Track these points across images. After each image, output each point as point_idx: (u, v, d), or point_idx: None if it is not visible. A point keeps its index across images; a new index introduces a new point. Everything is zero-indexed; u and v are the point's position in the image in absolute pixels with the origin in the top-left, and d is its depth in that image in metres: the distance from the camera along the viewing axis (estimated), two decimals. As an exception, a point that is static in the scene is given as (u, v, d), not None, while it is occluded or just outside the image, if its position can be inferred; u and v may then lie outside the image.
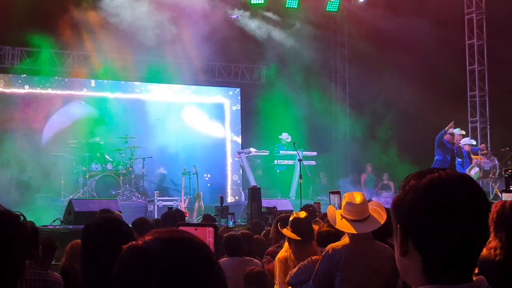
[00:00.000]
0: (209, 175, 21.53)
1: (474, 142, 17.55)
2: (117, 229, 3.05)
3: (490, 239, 4.11)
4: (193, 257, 1.55)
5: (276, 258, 6.34)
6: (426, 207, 1.69)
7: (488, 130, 20.46)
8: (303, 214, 6.38)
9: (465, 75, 20.91)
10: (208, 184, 21.28)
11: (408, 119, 20.28)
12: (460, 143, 16.82)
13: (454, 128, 16.67)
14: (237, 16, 20.40)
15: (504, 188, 7.81)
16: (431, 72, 19.36)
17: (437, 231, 1.68)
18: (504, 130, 18.60)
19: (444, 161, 15.82)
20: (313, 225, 6.46)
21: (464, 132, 17.57)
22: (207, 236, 2.22)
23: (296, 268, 5.72)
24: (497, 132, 19.42)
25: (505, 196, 5.51)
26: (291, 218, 6.28)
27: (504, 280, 3.85)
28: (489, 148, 19.10)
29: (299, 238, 6.07)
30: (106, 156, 18.81)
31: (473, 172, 16.62)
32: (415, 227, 1.71)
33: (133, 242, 1.58)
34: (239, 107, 23.26)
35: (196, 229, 2.21)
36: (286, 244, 6.33)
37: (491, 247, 4.04)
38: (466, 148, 16.80)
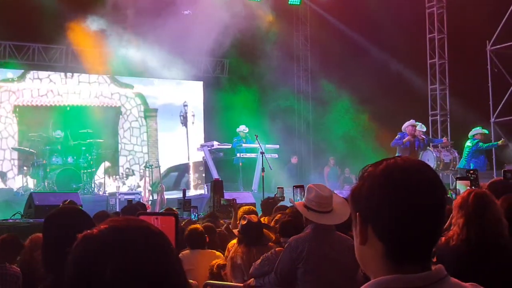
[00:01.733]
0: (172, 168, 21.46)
1: (424, 129, 17.67)
2: (78, 219, 3.02)
3: (449, 226, 4.17)
4: (149, 246, 1.53)
5: (228, 257, 6.35)
6: (384, 192, 1.70)
7: (448, 123, 20.69)
8: (255, 219, 6.39)
9: (426, 69, 21.11)
10: (171, 177, 21.19)
11: (372, 112, 20.42)
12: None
13: (416, 122, 16.87)
14: (189, 12, 20.32)
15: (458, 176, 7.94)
16: (392, 69, 19.50)
17: (395, 216, 1.68)
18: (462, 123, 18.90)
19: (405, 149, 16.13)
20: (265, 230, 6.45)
21: (425, 129, 17.74)
22: (168, 225, 2.20)
23: (259, 260, 5.73)
24: (457, 124, 19.69)
25: (459, 184, 5.58)
26: (243, 222, 6.27)
27: (459, 265, 3.91)
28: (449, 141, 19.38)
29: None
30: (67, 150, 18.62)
31: (432, 165, 16.78)
32: (374, 213, 1.71)
33: (88, 231, 1.55)
34: (202, 100, 23.20)
35: (156, 218, 2.17)
36: (235, 245, 6.34)
37: (449, 235, 4.10)
38: (420, 134, 16.97)
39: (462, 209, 4.11)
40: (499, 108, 18.59)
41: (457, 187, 5.56)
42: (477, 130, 16.42)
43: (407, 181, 1.71)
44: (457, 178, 6.07)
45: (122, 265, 1.46)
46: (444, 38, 20.88)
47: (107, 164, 19.50)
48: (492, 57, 18.75)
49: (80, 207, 10.35)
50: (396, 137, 16.59)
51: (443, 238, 4.10)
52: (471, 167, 15.22)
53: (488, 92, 18.88)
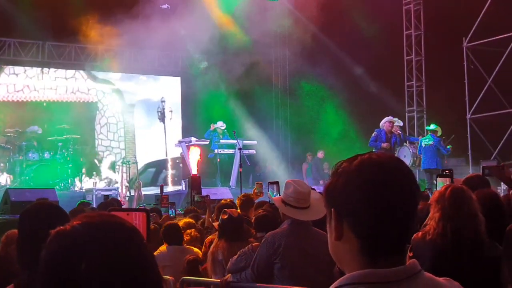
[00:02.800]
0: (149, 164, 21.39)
1: (401, 124, 17.75)
2: (54, 215, 3.00)
3: (426, 222, 4.20)
4: (122, 241, 1.53)
5: (209, 252, 6.34)
6: (359, 186, 1.71)
7: (424, 120, 20.81)
8: (235, 213, 6.39)
9: (403, 66, 21.22)
10: (148, 173, 21.13)
11: (350, 109, 20.49)
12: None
13: (394, 118, 16.96)
14: (167, 6, 20.24)
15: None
16: (372, 61, 19.51)
17: (371, 211, 1.69)
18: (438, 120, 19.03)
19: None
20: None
21: (402, 124, 17.83)
22: (139, 221, 2.20)
23: (236, 255, 5.73)
24: (433, 121, 19.82)
25: (440, 181, 5.62)
26: (223, 217, 6.27)
27: (435, 259, 3.93)
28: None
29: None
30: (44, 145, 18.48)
31: (408, 161, 16.87)
32: (350, 208, 1.72)
33: (61, 227, 1.55)
34: (179, 96, 23.15)
35: (127, 214, 2.18)
36: (216, 240, 6.34)
37: (426, 230, 4.13)
38: (397, 130, 17.02)
39: (438, 203, 4.13)
40: (475, 104, 18.73)
41: (437, 185, 5.59)
42: (435, 127, 16.57)
43: (381, 176, 1.72)
44: (438, 176, 6.10)
45: (96, 260, 1.46)
46: (421, 34, 21.00)
47: (84, 159, 19.35)
48: (468, 53, 18.89)
49: (56, 203, 10.31)
50: (373, 135, 16.62)
51: (419, 233, 4.13)
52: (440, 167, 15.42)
53: (464, 89, 19.02)
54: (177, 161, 20.51)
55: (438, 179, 5.71)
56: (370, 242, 1.71)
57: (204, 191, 13.60)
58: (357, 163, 1.76)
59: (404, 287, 1.67)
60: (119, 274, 1.48)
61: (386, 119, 16.76)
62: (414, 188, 1.77)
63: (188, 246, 7.03)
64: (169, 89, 23.08)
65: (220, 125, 19.30)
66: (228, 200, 9.40)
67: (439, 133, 16.74)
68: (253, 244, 5.69)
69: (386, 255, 1.71)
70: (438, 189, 4.74)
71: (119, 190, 17.99)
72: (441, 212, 4.09)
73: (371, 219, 1.69)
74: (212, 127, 19.37)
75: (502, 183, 11.26)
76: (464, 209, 4.09)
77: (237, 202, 8.44)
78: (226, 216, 6.24)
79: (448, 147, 16.74)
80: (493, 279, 3.91)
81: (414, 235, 4.08)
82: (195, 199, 11.64)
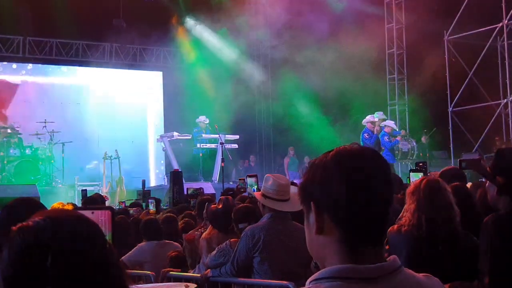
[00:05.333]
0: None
1: (384, 117, 17.80)
2: (34, 210, 2.98)
3: (401, 214, 4.21)
4: (84, 236, 1.54)
5: (201, 238, 6.34)
6: (338, 176, 1.71)
7: (406, 113, 20.88)
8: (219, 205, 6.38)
9: (384, 58, 21.26)
10: (130, 168, 21.06)
11: (331, 103, 20.51)
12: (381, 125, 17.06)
13: (376, 114, 16.99)
14: (122, 24, 20.22)
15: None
16: (351, 57, 19.53)
17: (351, 199, 1.69)
18: (420, 113, 19.12)
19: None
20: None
21: (385, 117, 17.87)
22: (104, 218, 2.18)
23: (215, 251, 5.72)
24: (415, 114, 19.92)
25: (412, 175, 5.65)
26: (219, 206, 6.26)
27: (410, 251, 3.94)
28: (407, 130, 19.61)
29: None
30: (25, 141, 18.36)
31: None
32: (330, 199, 1.71)
33: (23, 223, 1.53)
34: (162, 91, 23.07)
35: (92, 213, 2.17)
36: (210, 228, 6.34)
37: (401, 223, 4.14)
38: (388, 129, 17.05)
39: (414, 195, 4.15)
40: (456, 97, 18.81)
41: (411, 179, 5.62)
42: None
43: (359, 164, 1.73)
44: (411, 170, 6.13)
45: (62, 256, 1.47)
46: (402, 28, 21.04)
47: (66, 155, 19.23)
48: (449, 47, 18.95)
49: (38, 199, 10.27)
50: (365, 136, 16.55)
51: (395, 226, 4.13)
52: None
53: (445, 82, 19.09)
54: (159, 156, 20.45)
55: (412, 173, 5.73)
56: (351, 233, 1.70)
57: (186, 186, 13.58)
58: (334, 154, 1.76)
59: (384, 284, 1.67)
60: (84, 269, 1.49)
61: (367, 119, 16.77)
62: (390, 176, 1.78)
63: (168, 241, 6.99)
64: (151, 83, 22.99)
65: (203, 119, 19.26)
66: (210, 195, 9.39)
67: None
68: (231, 240, 5.68)
69: (367, 246, 1.71)
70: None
71: (101, 186, 17.92)
72: (416, 204, 4.11)
73: (353, 209, 1.69)
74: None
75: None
76: (439, 200, 4.10)
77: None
78: (221, 205, 6.22)
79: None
80: (468, 269, 3.92)
81: (390, 228, 4.08)
82: (188, 192, 11.59)
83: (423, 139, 18.36)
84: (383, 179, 1.74)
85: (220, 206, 6.22)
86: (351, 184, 1.69)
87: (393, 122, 17.98)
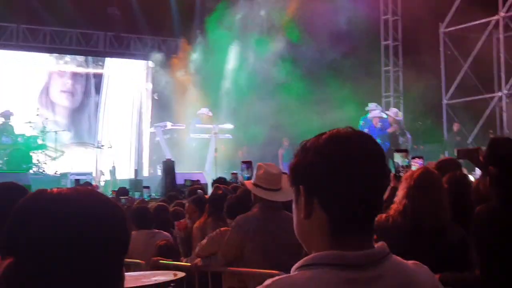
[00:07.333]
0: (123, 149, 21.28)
1: (384, 115, 17.81)
2: (17, 196, 2.93)
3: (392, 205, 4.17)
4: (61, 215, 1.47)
5: (194, 227, 6.31)
6: (330, 160, 1.67)
7: (401, 104, 20.86)
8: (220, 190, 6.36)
9: (379, 50, 21.23)
10: (123, 158, 21.02)
11: (327, 93, 20.39)
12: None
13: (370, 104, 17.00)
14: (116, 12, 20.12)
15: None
16: (344, 46, 19.45)
17: (342, 183, 1.65)
18: (415, 105, 19.11)
19: None
20: None
21: (376, 108, 17.87)
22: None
23: (205, 240, 5.68)
24: (410, 105, 19.91)
25: (396, 155, 5.61)
26: (219, 192, 6.24)
27: (395, 236, 3.90)
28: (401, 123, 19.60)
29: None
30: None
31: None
32: (320, 182, 1.67)
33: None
34: (153, 80, 22.97)
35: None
36: (205, 216, 6.32)
37: (390, 213, 4.10)
38: (376, 121, 17.05)
39: (406, 181, 4.12)
40: (451, 89, 18.80)
41: (394, 159, 5.59)
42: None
43: (352, 149, 1.68)
44: (395, 150, 6.07)
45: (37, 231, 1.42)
46: (398, 20, 20.99)
47: (59, 144, 19.17)
48: (445, 39, 18.92)
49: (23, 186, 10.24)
50: (378, 126, 16.60)
51: (383, 215, 4.09)
52: None
53: (440, 74, 19.08)
54: (152, 145, 20.41)
55: (395, 153, 5.70)
56: (340, 218, 1.66)
57: (178, 176, 13.56)
58: (326, 137, 1.72)
59: (372, 271, 1.63)
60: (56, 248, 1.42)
61: (373, 114, 16.84)
62: (384, 162, 1.74)
63: (157, 230, 6.95)
64: (142, 73, 22.92)
65: (206, 111, 19.20)
66: (201, 185, 9.36)
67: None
68: (221, 228, 5.64)
69: (355, 233, 1.67)
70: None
71: (94, 175, 17.88)
72: (405, 191, 4.08)
73: (343, 193, 1.65)
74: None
75: (476, 169, 11.36)
76: (428, 194, 4.06)
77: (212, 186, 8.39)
78: (221, 192, 6.19)
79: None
80: (455, 261, 3.89)
81: (378, 216, 4.04)
82: (186, 183, 11.57)
83: (455, 127, 18.16)
84: (375, 166, 1.69)
85: (221, 192, 6.20)
86: (342, 169, 1.65)
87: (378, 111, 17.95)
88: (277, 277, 1.66)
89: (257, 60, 20.62)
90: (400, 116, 18.13)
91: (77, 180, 12.50)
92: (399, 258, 1.73)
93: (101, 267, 1.46)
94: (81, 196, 1.50)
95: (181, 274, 5.10)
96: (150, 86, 22.93)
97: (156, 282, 4.60)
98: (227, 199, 6.01)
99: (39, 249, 1.41)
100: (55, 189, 1.51)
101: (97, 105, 21.77)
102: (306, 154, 1.72)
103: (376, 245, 1.69)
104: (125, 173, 18.97)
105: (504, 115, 17.79)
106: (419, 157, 5.83)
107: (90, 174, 17.88)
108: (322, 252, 1.65)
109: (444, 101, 18.89)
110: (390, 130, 17.30)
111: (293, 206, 1.77)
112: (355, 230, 1.67)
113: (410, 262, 1.76)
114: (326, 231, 1.67)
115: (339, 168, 1.65)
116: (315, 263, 1.64)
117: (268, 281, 1.66)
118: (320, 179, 1.67)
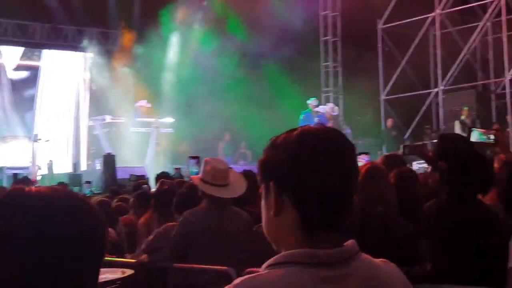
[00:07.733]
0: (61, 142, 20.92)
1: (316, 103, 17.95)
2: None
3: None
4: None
5: (139, 223, 6.25)
6: (302, 156, 1.66)
7: (341, 100, 21.08)
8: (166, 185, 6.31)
9: (319, 46, 21.37)
10: (61, 151, 20.65)
11: (268, 87, 20.42)
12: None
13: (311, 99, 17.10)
14: None
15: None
16: (284, 41, 19.49)
17: (314, 180, 1.64)
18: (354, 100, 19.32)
19: None
20: None
21: (317, 103, 18.00)
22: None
23: (151, 235, 5.64)
24: (349, 101, 20.11)
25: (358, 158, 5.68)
26: (164, 187, 6.19)
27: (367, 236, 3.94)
28: (342, 117, 19.82)
29: None
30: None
31: None
32: (291, 179, 1.67)
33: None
34: (92, 72, 22.61)
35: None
36: (150, 212, 6.27)
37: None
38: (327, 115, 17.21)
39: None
40: (389, 85, 19.09)
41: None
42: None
43: (325, 145, 1.68)
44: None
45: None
46: (337, 16, 21.18)
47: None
48: (383, 35, 19.20)
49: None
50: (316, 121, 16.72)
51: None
52: None
53: (378, 70, 19.36)
54: (91, 139, 20.10)
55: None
56: (310, 216, 1.66)
57: (120, 170, 13.41)
58: (298, 133, 1.70)
59: (343, 269, 1.64)
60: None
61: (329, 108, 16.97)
62: (355, 158, 1.75)
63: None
64: (82, 65, 22.57)
65: (144, 103, 19.00)
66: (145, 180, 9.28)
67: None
68: (168, 224, 5.60)
69: (325, 230, 1.67)
70: None
71: (30, 169, 17.48)
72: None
73: (315, 190, 1.64)
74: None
75: (414, 162, 11.59)
76: (374, 189, 4.10)
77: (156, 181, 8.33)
78: (167, 187, 6.12)
79: None
80: (402, 258, 3.94)
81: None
82: (130, 178, 11.44)
83: (388, 122, 18.37)
84: (345, 162, 1.69)
85: (167, 187, 6.14)
86: (313, 165, 1.65)
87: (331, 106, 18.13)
88: (247, 276, 1.65)
89: (199, 54, 20.50)
90: (336, 111, 18.29)
91: (14, 175, 12.20)
92: (368, 256, 1.74)
93: (80, 267, 1.45)
94: (61, 196, 1.49)
95: (129, 272, 5.02)
96: (88, 78, 22.55)
97: (105, 280, 4.50)
98: (176, 194, 5.96)
99: (19, 249, 1.39)
100: (33, 188, 1.49)
101: (33, 98, 21.30)
102: (276, 151, 1.71)
103: (346, 243, 1.70)
104: (63, 167, 18.62)
105: (441, 110, 18.17)
106: (365, 153, 5.89)
107: (27, 168, 17.48)
108: (293, 250, 1.64)
109: (382, 97, 19.18)
110: (328, 125, 17.41)
111: (262, 203, 1.75)
112: (326, 228, 1.67)
113: (378, 260, 1.77)
114: (296, 228, 1.67)
115: (310, 165, 1.65)
116: (286, 261, 1.63)
117: (237, 280, 1.64)
118: (291, 176, 1.67)
